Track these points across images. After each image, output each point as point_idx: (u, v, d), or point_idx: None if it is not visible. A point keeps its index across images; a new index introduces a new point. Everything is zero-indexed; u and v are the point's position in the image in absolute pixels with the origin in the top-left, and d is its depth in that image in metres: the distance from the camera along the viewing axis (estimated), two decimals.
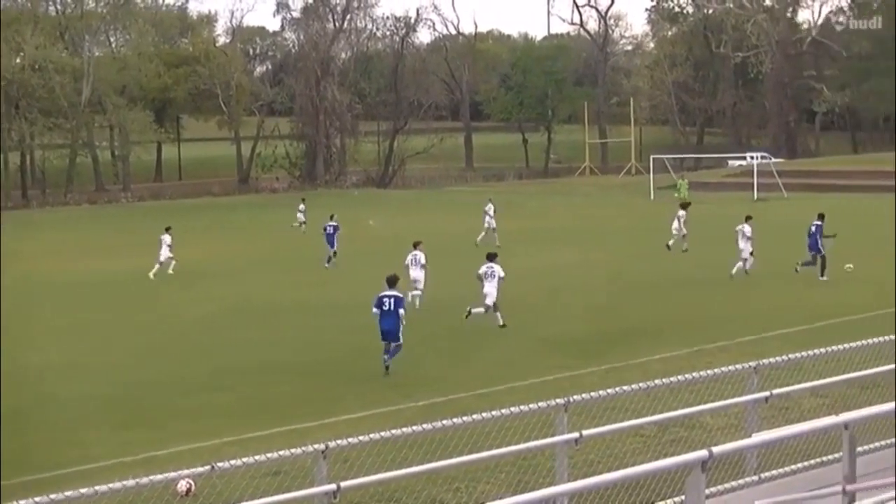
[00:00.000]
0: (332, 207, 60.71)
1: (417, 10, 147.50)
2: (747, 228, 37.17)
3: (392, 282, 24.92)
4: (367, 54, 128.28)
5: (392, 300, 24.21)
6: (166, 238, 42.70)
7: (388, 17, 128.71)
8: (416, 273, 32.63)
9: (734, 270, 36.90)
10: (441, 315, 30.86)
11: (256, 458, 11.58)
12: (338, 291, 36.89)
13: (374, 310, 24.40)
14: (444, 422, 12.85)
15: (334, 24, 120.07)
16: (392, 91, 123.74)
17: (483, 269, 29.29)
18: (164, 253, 42.41)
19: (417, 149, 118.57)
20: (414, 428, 12.60)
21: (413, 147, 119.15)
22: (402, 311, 24.19)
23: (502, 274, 29.07)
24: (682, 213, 45.66)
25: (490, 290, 29.01)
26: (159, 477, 11.07)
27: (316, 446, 11.79)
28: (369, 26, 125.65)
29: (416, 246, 33.33)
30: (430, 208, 74.96)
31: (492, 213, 52.06)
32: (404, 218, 66.08)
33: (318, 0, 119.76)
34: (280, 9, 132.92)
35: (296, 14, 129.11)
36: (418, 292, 32.47)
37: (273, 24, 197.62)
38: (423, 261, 32.89)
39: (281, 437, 18.58)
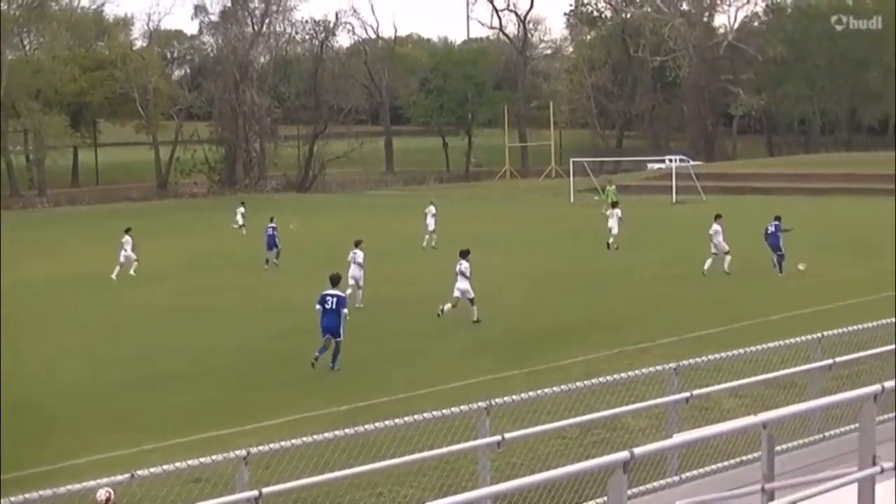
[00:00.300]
0: (254, 211, 60.43)
1: (336, 14, 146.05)
2: (716, 227, 38.21)
3: (335, 280, 25.55)
4: (286, 58, 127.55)
5: (335, 300, 24.75)
6: (127, 239, 42.60)
7: (307, 21, 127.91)
8: (355, 271, 32.93)
9: (726, 266, 37.71)
10: (363, 319, 30.75)
11: (177, 465, 11.48)
12: (261, 296, 36.64)
13: (317, 307, 24.89)
14: (367, 426, 12.83)
15: (253, 28, 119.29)
16: (312, 95, 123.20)
17: (456, 267, 29.98)
18: (124, 254, 42.24)
19: (337, 153, 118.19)
20: (336, 433, 12.57)
21: (333, 151, 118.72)
22: (344, 311, 24.74)
23: (465, 270, 29.62)
24: (617, 211, 46.51)
25: (462, 285, 29.61)
26: (77, 486, 10.93)
27: (237, 452, 11.72)
28: (288, 30, 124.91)
29: (357, 245, 33.54)
30: (352, 212, 74.71)
31: (433, 212, 52.04)
32: (326, 222, 65.83)
33: (236, 4, 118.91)
34: (198, 12, 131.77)
35: (214, 18, 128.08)
36: (359, 290, 32.84)
37: (191, 28, 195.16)
38: (359, 259, 33.09)
39: (202, 443, 18.37)
